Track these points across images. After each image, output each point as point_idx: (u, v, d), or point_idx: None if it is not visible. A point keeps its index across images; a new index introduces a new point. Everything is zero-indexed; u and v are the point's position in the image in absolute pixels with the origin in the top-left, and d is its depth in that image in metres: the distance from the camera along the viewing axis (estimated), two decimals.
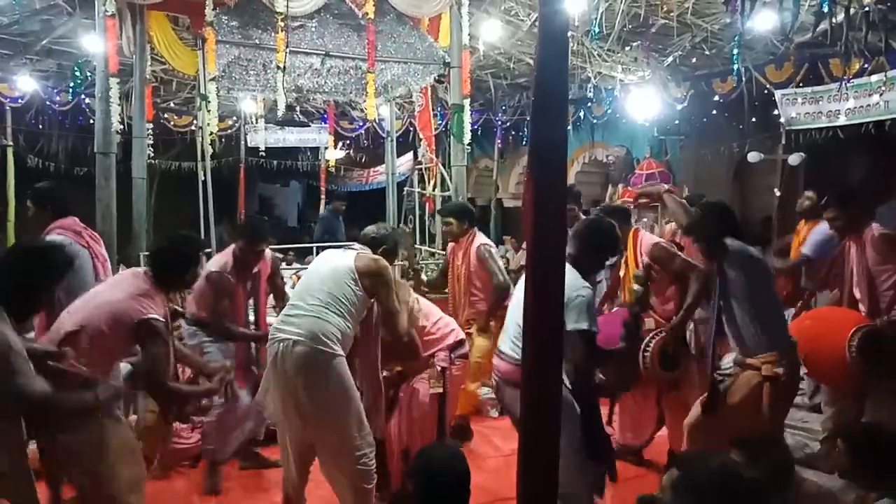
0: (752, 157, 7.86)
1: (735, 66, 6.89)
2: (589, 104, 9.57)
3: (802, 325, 3.74)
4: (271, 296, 4.13)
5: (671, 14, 6.49)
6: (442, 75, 6.65)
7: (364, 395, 2.98)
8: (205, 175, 6.15)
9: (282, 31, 5.32)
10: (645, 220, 8.05)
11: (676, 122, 8.94)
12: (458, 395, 3.79)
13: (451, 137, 6.29)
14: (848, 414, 3.51)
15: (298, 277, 4.93)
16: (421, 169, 8.26)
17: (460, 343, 3.57)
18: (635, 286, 3.49)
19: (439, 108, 9.07)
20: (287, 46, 5.39)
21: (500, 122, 11.28)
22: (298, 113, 10.63)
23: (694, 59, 7.87)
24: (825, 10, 4.39)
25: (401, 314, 3.02)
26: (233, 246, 3.77)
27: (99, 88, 5.27)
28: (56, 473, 2.64)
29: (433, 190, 7.63)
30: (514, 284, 3.82)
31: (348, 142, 12.11)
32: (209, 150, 5.93)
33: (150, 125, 6.36)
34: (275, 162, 13.12)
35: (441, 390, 3.40)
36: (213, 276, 3.60)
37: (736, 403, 2.91)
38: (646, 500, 2.18)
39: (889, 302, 3.52)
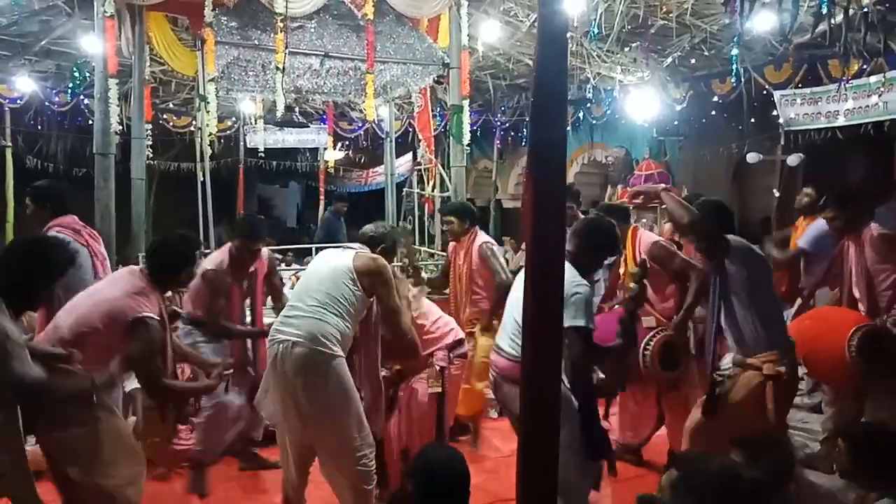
0: (751, 157, 7.87)
1: (734, 67, 6.90)
2: (588, 105, 9.58)
3: (802, 325, 3.74)
4: (269, 297, 4.13)
5: (670, 15, 6.50)
6: (441, 76, 6.65)
7: (364, 394, 2.98)
8: (204, 176, 6.15)
9: (281, 31, 5.32)
10: (644, 220, 8.06)
11: (675, 122, 8.95)
12: (458, 395, 3.78)
13: (451, 138, 6.29)
14: (848, 414, 3.50)
15: (298, 278, 4.92)
16: (420, 170, 8.27)
17: (459, 342, 3.57)
18: (631, 284, 3.48)
19: (438, 109, 9.07)
20: (286, 47, 5.39)
21: (499, 123, 11.29)
22: (297, 114, 10.64)
23: (693, 60, 7.88)
24: (824, 11, 4.40)
25: (402, 312, 3.02)
26: (229, 244, 3.76)
27: (98, 89, 5.27)
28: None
29: (432, 191, 7.64)
30: None
31: (347, 143, 12.11)
32: (208, 151, 5.93)
33: (149, 126, 6.37)
34: (274, 163, 13.12)
35: (440, 390, 3.40)
36: (208, 274, 3.58)
37: (737, 405, 2.90)
38: (645, 499, 2.18)
39: (888, 301, 3.53)
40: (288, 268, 8.73)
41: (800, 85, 7.12)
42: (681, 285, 3.61)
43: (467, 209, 4.52)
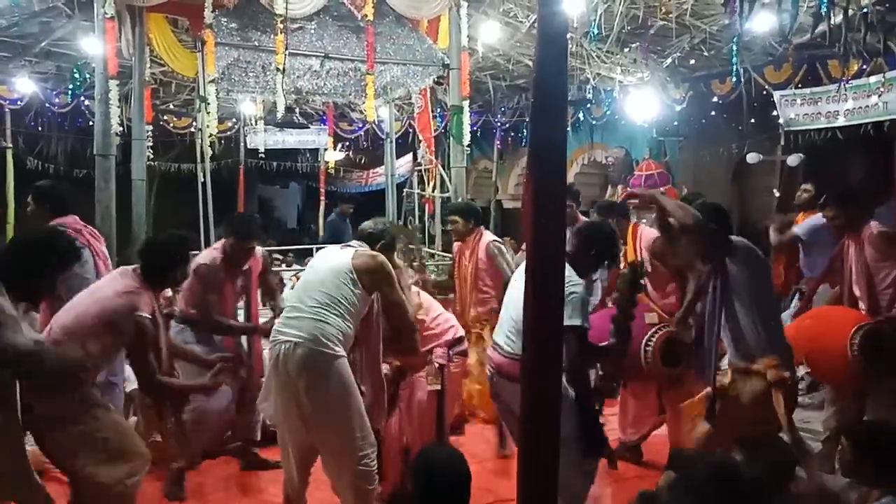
0: (751, 157, 7.88)
1: (734, 68, 6.90)
2: (588, 105, 9.58)
3: (803, 324, 3.74)
4: (265, 295, 4.12)
5: (670, 15, 6.50)
6: (441, 77, 6.65)
7: (365, 391, 2.98)
8: (204, 177, 6.16)
9: (281, 32, 5.33)
10: (644, 220, 8.06)
11: (675, 123, 8.95)
12: (458, 393, 3.78)
13: (451, 139, 6.29)
14: (849, 413, 3.50)
15: (299, 279, 4.92)
16: (420, 170, 8.28)
17: (459, 340, 3.57)
18: (619, 283, 3.48)
19: (438, 110, 9.07)
20: (286, 48, 5.40)
21: (499, 124, 11.29)
22: (298, 115, 10.64)
23: (693, 61, 7.89)
24: (824, 11, 4.40)
25: (406, 305, 3.02)
26: (223, 241, 3.76)
27: (98, 90, 5.27)
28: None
29: (432, 191, 7.65)
30: None
31: (348, 143, 12.12)
32: (208, 152, 5.95)
33: (150, 127, 6.37)
34: (274, 163, 13.13)
35: (439, 387, 3.40)
36: (200, 269, 3.57)
37: (744, 412, 2.87)
38: (646, 497, 2.18)
39: (889, 300, 3.53)
40: (289, 268, 8.75)
41: (800, 85, 7.12)
42: (681, 281, 3.61)
43: (471, 209, 4.51)
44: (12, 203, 9.41)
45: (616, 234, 3.18)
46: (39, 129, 10.11)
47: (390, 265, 2.99)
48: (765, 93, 7.38)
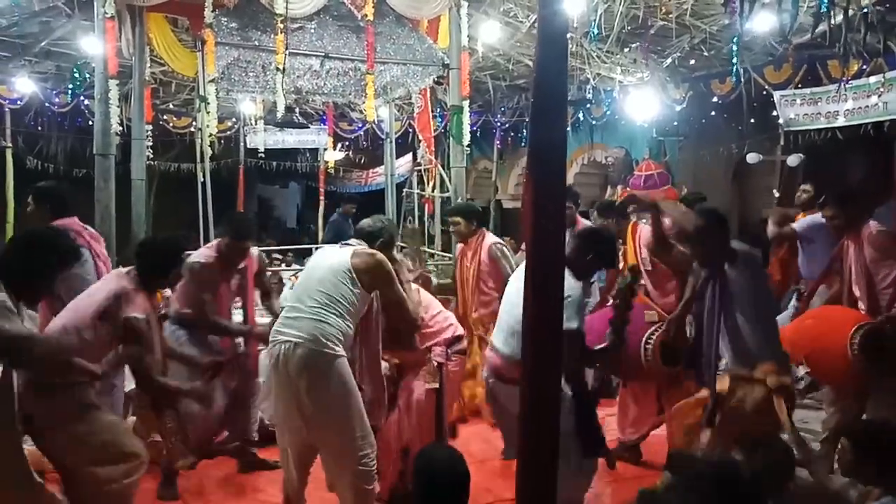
0: (751, 158, 7.87)
1: (734, 68, 6.89)
2: (588, 105, 9.57)
3: (803, 324, 3.75)
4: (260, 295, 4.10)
5: (670, 15, 6.50)
6: (441, 77, 6.65)
7: (365, 389, 2.98)
8: (204, 176, 6.15)
9: (281, 32, 5.32)
10: (644, 220, 8.05)
11: (675, 123, 8.94)
12: (457, 392, 3.78)
13: (451, 139, 6.29)
14: (849, 413, 3.51)
15: (298, 278, 4.92)
16: (420, 170, 8.28)
17: (458, 338, 3.56)
18: (618, 287, 3.49)
19: (438, 110, 9.07)
20: (286, 48, 5.39)
21: (499, 124, 11.29)
22: (298, 114, 10.64)
23: (693, 61, 7.88)
24: (824, 11, 4.40)
25: (407, 300, 3.02)
26: (218, 240, 3.76)
27: (98, 90, 5.26)
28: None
29: (432, 191, 7.65)
30: None
31: (347, 143, 12.11)
32: (208, 152, 5.94)
33: (150, 127, 6.36)
34: (274, 163, 13.12)
35: (437, 385, 3.40)
36: (194, 267, 3.56)
37: (747, 419, 2.86)
38: (647, 494, 2.17)
39: (889, 300, 3.53)
40: (288, 268, 8.74)
41: (799, 85, 7.12)
42: (681, 280, 3.62)
43: (473, 210, 4.50)
44: (12, 202, 9.40)
45: (615, 239, 3.19)
46: (39, 128, 10.10)
47: (389, 263, 2.99)
48: (765, 93, 7.37)
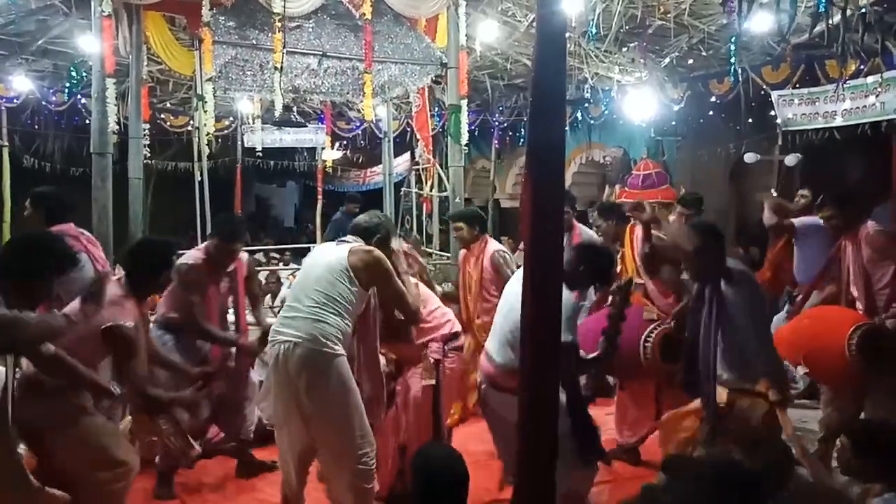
0: (749, 157, 7.88)
1: (732, 67, 6.90)
2: (586, 105, 9.57)
3: (801, 324, 3.75)
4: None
5: (668, 15, 6.50)
6: (439, 76, 6.65)
7: (364, 387, 2.97)
8: (201, 175, 6.14)
9: (279, 31, 5.31)
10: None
11: (673, 122, 8.95)
12: (455, 389, 3.77)
13: (449, 138, 6.28)
14: (846, 413, 3.51)
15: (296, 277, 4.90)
16: (418, 169, 8.27)
17: (455, 335, 3.56)
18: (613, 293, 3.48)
19: (436, 109, 9.06)
20: (284, 47, 5.39)
21: (497, 123, 11.28)
22: (295, 113, 10.60)
23: (691, 60, 7.89)
24: (822, 11, 4.40)
25: (407, 293, 3.00)
26: (207, 242, 3.73)
27: (95, 89, 5.25)
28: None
29: (430, 190, 7.64)
30: None
31: (345, 142, 12.10)
32: (206, 151, 5.93)
33: (147, 125, 6.35)
34: (271, 162, 13.11)
35: (434, 382, 3.39)
36: (182, 268, 3.51)
37: (750, 433, 2.86)
38: (650, 489, 2.17)
39: (886, 300, 3.54)
40: (286, 267, 8.73)
41: (797, 85, 7.12)
42: (675, 293, 3.62)
43: (476, 215, 4.47)
44: (9, 201, 9.38)
45: (612, 258, 3.20)
46: (36, 127, 10.08)
47: (387, 259, 2.98)
48: (763, 93, 7.38)
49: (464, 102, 6.09)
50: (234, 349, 3.74)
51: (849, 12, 4.14)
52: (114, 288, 2.80)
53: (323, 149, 11.11)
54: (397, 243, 3.23)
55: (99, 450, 2.63)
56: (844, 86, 6.42)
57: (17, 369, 2.50)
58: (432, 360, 3.41)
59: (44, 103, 9.36)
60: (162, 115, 10.18)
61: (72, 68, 8.39)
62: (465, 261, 4.45)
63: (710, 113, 8.35)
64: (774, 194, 7.43)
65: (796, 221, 4.69)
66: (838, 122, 6.83)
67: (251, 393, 3.83)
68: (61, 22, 7.17)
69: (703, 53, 7.45)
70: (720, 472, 1.71)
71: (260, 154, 10.67)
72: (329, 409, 2.79)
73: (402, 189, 8.91)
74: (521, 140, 10.97)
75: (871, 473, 2.35)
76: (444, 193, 6.68)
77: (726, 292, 2.88)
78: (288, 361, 2.78)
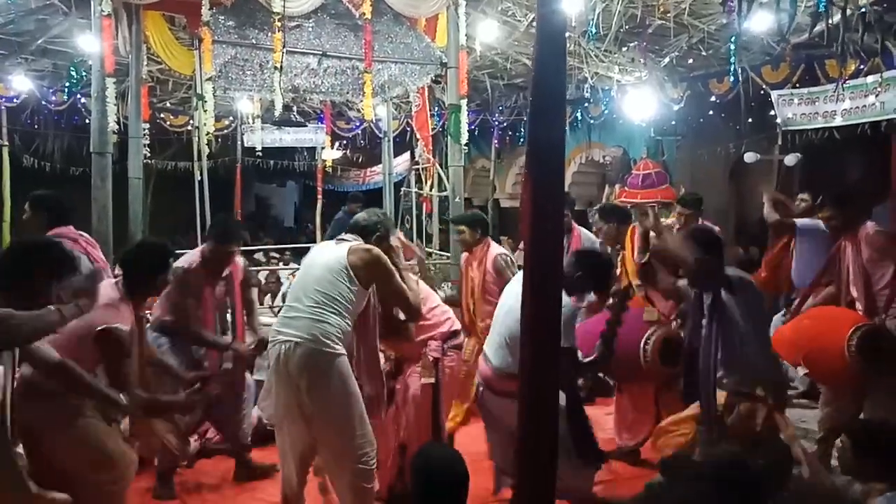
0: (749, 157, 7.87)
1: (732, 67, 6.90)
2: (586, 104, 9.57)
3: (801, 324, 3.75)
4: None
5: (668, 15, 6.49)
6: (439, 75, 6.64)
7: (364, 386, 2.97)
8: (201, 175, 6.14)
9: (279, 31, 5.30)
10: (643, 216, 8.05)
11: (673, 122, 8.94)
12: (455, 388, 3.77)
13: (448, 138, 6.28)
14: (845, 413, 3.51)
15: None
16: (418, 169, 8.26)
17: (454, 333, 3.56)
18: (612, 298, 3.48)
19: (436, 109, 9.06)
20: (284, 46, 5.38)
21: (496, 123, 11.28)
22: (295, 113, 10.59)
23: (690, 60, 7.88)
24: (822, 11, 4.40)
25: (408, 291, 3.00)
26: (202, 245, 3.71)
27: (95, 88, 5.24)
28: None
29: (430, 190, 7.64)
30: None
31: (345, 142, 12.09)
32: (205, 150, 5.93)
33: (147, 125, 6.34)
34: (271, 162, 13.10)
35: (433, 380, 3.39)
36: (177, 272, 3.47)
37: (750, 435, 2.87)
38: (653, 487, 2.16)
39: (886, 301, 3.54)
40: (286, 266, 8.73)
41: (797, 85, 7.12)
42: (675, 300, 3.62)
43: (479, 219, 4.45)
44: (9, 201, 9.37)
45: (611, 264, 3.21)
46: (36, 126, 10.06)
47: (386, 257, 2.97)
48: (762, 92, 7.38)
49: (464, 102, 6.09)
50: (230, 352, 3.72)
51: (849, 12, 4.14)
52: (110, 290, 2.79)
53: (323, 148, 11.10)
54: (396, 239, 3.23)
55: (98, 450, 2.63)
56: (844, 85, 6.41)
57: (17, 367, 2.49)
58: (431, 359, 3.41)
59: (43, 103, 9.35)
60: (162, 115, 10.17)
61: (71, 68, 8.38)
62: (467, 264, 4.44)
63: (710, 112, 8.35)
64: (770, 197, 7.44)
65: (798, 221, 4.68)
66: (838, 121, 6.82)
67: (248, 396, 3.82)
68: (61, 21, 7.16)
69: (703, 53, 7.45)
70: (723, 470, 1.71)
71: (260, 154, 10.67)
72: (330, 409, 2.80)
73: (402, 189, 8.90)
74: (521, 140, 10.96)
75: (872, 473, 2.36)
76: (444, 193, 6.68)
77: (726, 299, 2.88)
78: (289, 361, 2.78)
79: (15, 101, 9.09)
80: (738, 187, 9.44)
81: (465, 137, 6.11)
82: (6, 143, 9.64)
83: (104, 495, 2.63)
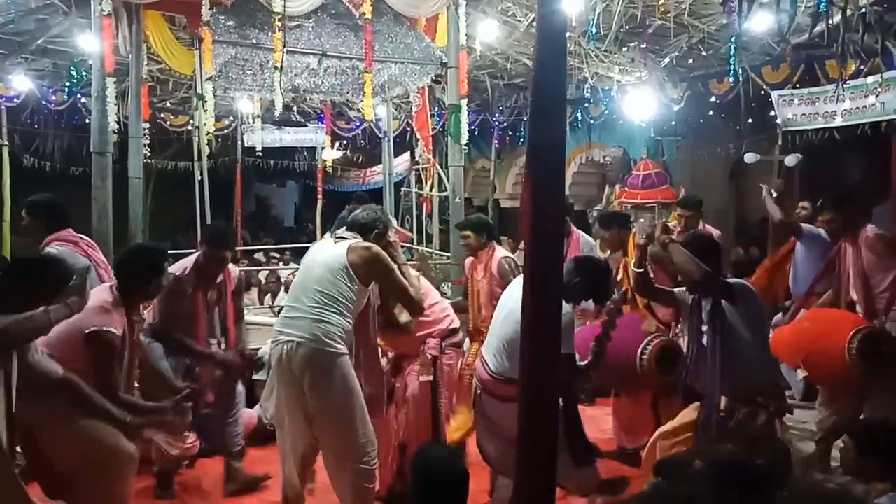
0: (749, 157, 7.87)
1: (732, 67, 6.89)
2: (586, 105, 9.57)
3: (801, 326, 3.75)
4: None
5: (668, 15, 6.49)
6: (439, 75, 6.64)
7: (364, 384, 2.98)
8: (201, 175, 6.15)
9: (279, 30, 5.30)
10: (642, 220, 8.06)
11: (673, 122, 8.94)
12: (454, 387, 3.77)
13: (449, 138, 6.28)
14: (845, 415, 3.52)
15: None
16: (418, 169, 8.28)
17: (454, 331, 3.55)
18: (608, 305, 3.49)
19: (436, 109, 9.06)
20: (284, 46, 5.38)
21: (497, 123, 11.27)
22: (295, 113, 10.60)
23: (691, 60, 7.88)
24: (822, 11, 4.40)
25: (409, 286, 2.99)
26: (197, 253, 3.66)
27: (95, 88, 5.24)
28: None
29: (430, 190, 7.65)
30: None
31: (345, 142, 12.09)
32: (206, 150, 5.93)
33: (147, 125, 6.34)
34: (271, 162, 13.09)
35: (431, 378, 3.38)
36: (168, 279, 3.38)
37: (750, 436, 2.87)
38: (657, 486, 2.15)
39: (886, 304, 3.54)
40: (286, 267, 8.74)
41: (797, 85, 7.11)
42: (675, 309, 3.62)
43: (484, 223, 4.44)
44: (9, 201, 9.37)
45: (609, 273, 3.20)
46: (36, 126, 10.05)
47: (385, 254, 2.97)
48: (763, 93, 7.37)
49: (464, 102, 6.08)
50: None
51: (849, 12, 4.14)
52: (104, 293, 2.80)
53: (323, 148, 11.11)
54: (394, 234, 3.23)
55: (97, 449, 2.62)
56: (844, 86, 6.41)
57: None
58: (429, 357, 3.41)
59: (43, 102, 9.34)
60: (162, 115, 10.17)
61: (72, 67, 8.38)
62: (472, 268, 4.43)
63: (710, 113, 8.34)
64: (774, 194, 7.44)
65: (804, 226, 4.65)
66: (838, 122, 6.82)
67: (239, 403, 3.78)
68: (61, 21, 7.15)
69: (703, 53, 7.44)
70: (723, 470, 1.71)
71: (260, 153, 10.66)
72: (332, 409, 2.80)
73: (402, 189, 8.92)
74: (522, 140, 10.96)
75: (875, 473, 2.36)
76: (444, 193, 6.69)
77: (727, 308, 2.88)
78: (291, 361, 2.79)
79: (15, 100, 9.08)
80: (738, 188, 9.44)
81: (465, 137, 6.11)
82: (6, 142, 9.62)
83: (104, 495, 2.63)
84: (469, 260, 4.48)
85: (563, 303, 2.72)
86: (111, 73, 5.20)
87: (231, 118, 10.64)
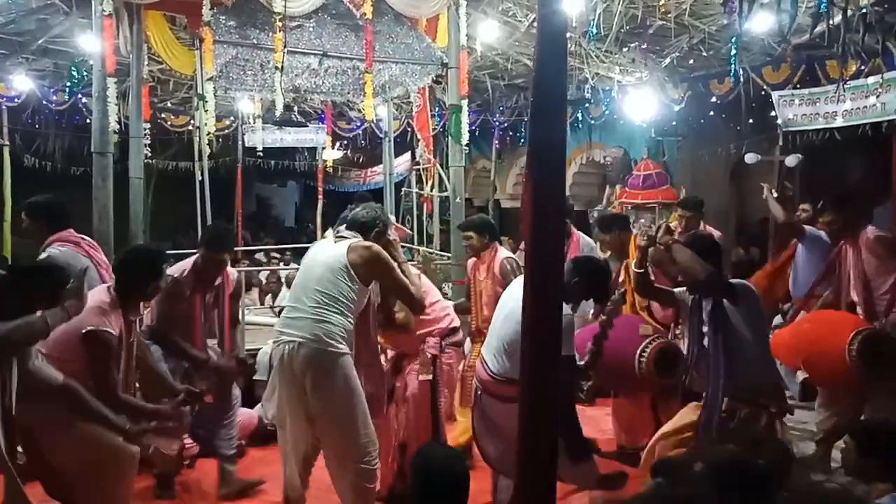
0: (749, 158, 7.87)
1: (732, 68, 6.89)
2: (586, 105, 9.57)
3: (801, 328, 3.75)
4: None
5: (669, 15, 6.49)
6: (440, 76, 6.65)
7: (365, 385, 2.98)
8: (202, 175, 6.14)
9: (279, 31, 5.31)
10: (643, 220, 8.07)
11: (674, 123, 8.94)
12: (454, 386, 3.76)
13: (449, 138, 6.28)
14: (845, 416, 3.51)
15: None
16: (419, 169, 8.27)
17: (453, 330, 3.55)
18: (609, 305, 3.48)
19: (437, 109, 9.06)
20: (285, 46, 5.38)
21: (497, 123, 11.27)
22: (296, 113, 10.61)
23: (691, 61, 7.88)
24: (823, 11, 4.40)
25: (410, 284, 2.99)
26: (196, 256, 3.64)
27: (96, 88, 5.24)
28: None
29: (431, 190, 7.65)
30: None
31: (346, 142, 12.09)
32: (206, 150, 5.93)
33: (148, 125, 6.34)
34: (272, 162, 13.10)
35: (430, 377, 3.39)
36: (166, 281, 3.39)
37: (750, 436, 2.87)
38: (659, 485, 2.15)
39: (886, 306, 3.53)
40: (287, 267, 8.73)
41: (798, 86, 7.11)
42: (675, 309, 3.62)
43: (486, 224, 4.44)
44: (9, 201, 9.37)
45: (608, 273, 3.20)
46: (36, 126, 10.06)
47: (385, 252, 2.97)
48: (763, 93, 7.37)
49: (464, 102, 6.08)
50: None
51: (849, 13, 4.14)
52: (102, 294, 2.80)
53: (323, 149, 11.11)
54: (394, 233, 3.23)
55: (97, 450, 2.62)
56: (845, 86, 6.41)
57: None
58: (429, 356, 3.41)
59: (44, 102, 9.34)
60: (163, 115, 10.17)
61: (72, 67, 8.39)
62: (474, 269, 4.43)
63: (711, 113, 8.34)
64: (775, 195, 7.44)
65: (807, 228, 4.64)
66: (839, 122, 6.82)
67: (235, 405, 3.77)
68: (62, 21, 7.16)
69: (704, 54, 7.44)
70: (728, 467, 1.70)
71: (261, 154, 10.67)
72: (334, 409, 2.80)
73: (403, 189, 8.92)
74: (522, 140, 10.96)
75: (876, 473, 2.36)
76: (445, 193, 6.69)
77: (729, 309, 2.88)
78: (293, 361, 2.79)
79: (16, 100, 9.08)
80: (738, 188, 9.43)
81: (465, 138, 6.11)
82: (7, 142, 9.63)
83: (105, 494, 2.63)
84: (471, 261, 4.47)
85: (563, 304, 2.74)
86: (112, 74, 5.20)
87: (232, 118, 10.65)
